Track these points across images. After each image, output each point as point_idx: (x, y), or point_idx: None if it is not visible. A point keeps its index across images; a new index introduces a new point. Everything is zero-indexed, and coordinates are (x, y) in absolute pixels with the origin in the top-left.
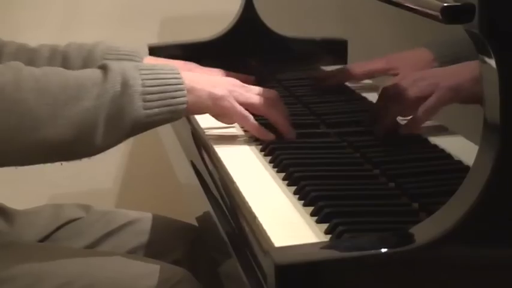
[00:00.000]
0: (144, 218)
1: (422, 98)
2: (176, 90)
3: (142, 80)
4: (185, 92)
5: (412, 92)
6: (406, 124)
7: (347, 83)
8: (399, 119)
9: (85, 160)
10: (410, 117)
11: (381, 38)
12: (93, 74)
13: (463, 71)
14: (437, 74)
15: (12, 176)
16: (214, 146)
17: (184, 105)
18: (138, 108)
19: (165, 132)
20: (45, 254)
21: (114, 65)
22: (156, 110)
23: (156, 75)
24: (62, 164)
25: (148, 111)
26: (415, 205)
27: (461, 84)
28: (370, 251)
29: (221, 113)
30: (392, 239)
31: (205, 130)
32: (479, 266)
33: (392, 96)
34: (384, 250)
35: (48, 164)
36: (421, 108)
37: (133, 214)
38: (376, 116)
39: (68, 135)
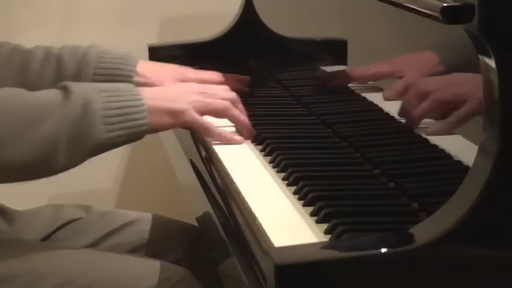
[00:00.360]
0: (144, 218)
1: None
2: (136, 113)
3: (103, 103)
4: (145, 113)
5: (445, 95)
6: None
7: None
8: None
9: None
10: (439, 122)
11: (381, 38)
12: (54, 96)
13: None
14: (469, 80)
15: None
16: (214, 146)
17: (144, 127)
18: (100, 131)
19: (165, 132)
20: (46, 253)
21: (75, 88)
22: (118, 132)
23: (116, 97)
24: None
25: (109, 134)
26: (415, 205)
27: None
28: (369, 251)
29: (185, 127)
30: (392, 239)
31: None
32: (479, 266)
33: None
34: (383, 250)
35: None
36: (453, 118)
37: (133, 214)
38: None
39: (28, 157)
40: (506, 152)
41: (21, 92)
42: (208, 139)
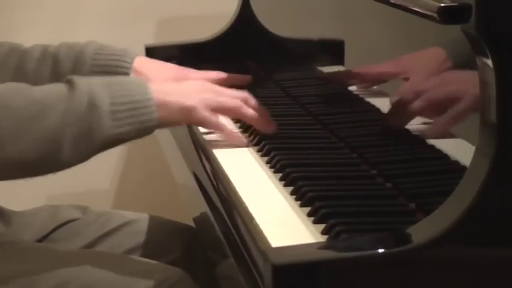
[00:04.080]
0: (140, 219)
1: (449, 101)
2: (145, 107)
3: (110, 97)
4: (154, 108)
5: (439, 93)
6: (430, 128)
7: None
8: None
9: None
10: (435, 121)
11: (378, 39)
12: (59, 90)
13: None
14: (465, 78)
15: None
16: (211, 147)
17: (155, 122)
18: (107, 127)
19: (162, 133)
20: (43, 254)
21: (80, 83)
22: (127, 127)
23: (125, 91)
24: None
25: (118, 129)
26: (412, 205)
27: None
28: (367, 251)
29: (195, 124)
30: (390, 239)
31: (202, 131)
32: (476, 266)
33: (413, 98)
34: (381, 250)
35: None
36: (451, 113)
37: (130, 215)
38: (395, 117)
39: (32, 154)
40: (504, 152)
41: (23, 86)
42: (208, 139)
